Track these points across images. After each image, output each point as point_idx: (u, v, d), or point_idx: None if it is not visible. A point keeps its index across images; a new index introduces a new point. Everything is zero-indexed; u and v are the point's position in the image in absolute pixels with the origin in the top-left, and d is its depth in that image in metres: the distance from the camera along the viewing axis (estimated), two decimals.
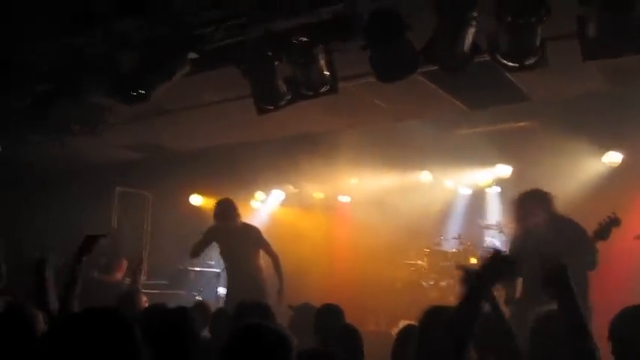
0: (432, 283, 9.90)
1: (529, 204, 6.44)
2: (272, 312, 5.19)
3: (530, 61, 4.62)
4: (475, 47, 4.79)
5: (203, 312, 5.90)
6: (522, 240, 6.49)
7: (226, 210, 8.17)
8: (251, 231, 8.30)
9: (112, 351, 2.05)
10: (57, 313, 4.32)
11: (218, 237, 8.28)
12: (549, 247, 5.94)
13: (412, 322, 5.27)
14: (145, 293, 6.89)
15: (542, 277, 3.36)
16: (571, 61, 5.66)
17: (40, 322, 3.94)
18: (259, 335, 2.97)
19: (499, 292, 6.69)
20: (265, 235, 8.35)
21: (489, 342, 3.69)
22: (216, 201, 8.45)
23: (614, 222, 6.00)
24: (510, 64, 4.70)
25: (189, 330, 3.98)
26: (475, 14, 4.47)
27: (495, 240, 9.98)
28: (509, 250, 6.78)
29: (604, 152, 9.20)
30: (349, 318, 5.48)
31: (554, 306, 3.57)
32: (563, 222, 6.30)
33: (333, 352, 3.54)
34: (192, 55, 5.71)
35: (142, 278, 7.06)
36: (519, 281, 6.52)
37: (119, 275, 9.65)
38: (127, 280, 9.05)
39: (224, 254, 8.41)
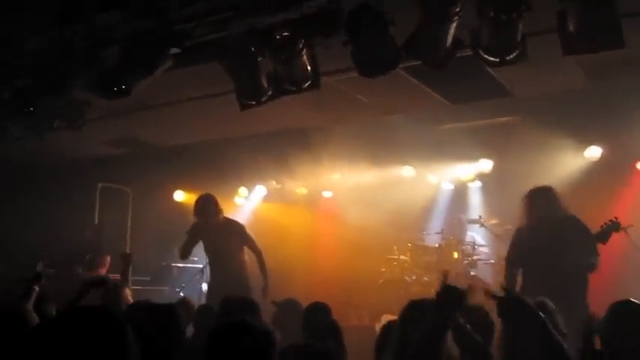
0: (414, 277, 9.94)
1: (537, 201, 6.47)
2: (258, 307, 5.18)
3: (511, 56, 4.65)
4: (457, 42, 4.80)
5: (186, 309, 5.88)
6: (526, 237, 6.51)
7: (207, 206, 8.10)
8: (234, 226, 8.26)
9: (102, 351, 2.03)
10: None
11: (201, 234, 8.21)
12: (552, 246, 6.04)
13: (395, 318, 5.31)
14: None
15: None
16: (551, 57, 5.72)
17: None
18: (242, 331, 2.97)
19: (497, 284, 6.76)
20: (249, 231, 8.31)
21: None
22: (196, 197, 8.38)
23: (614, 226, 6.09)
24: (492, 58, 4.73)
25: (176, 327, 3.97)
26: (457, 9, 4.49)
27: (476, 234, 10.06)
28: (511, 245, 6.78)
29: (585, 147, 9.28)
30: (333, 313, 5.49)
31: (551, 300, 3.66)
32: (569, 221, 6.32)
33: (328, 348, 3.54)
34: (174, 51, 5.68)
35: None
36: (519, 275, 6.58)
37: (103, 271, 9.59)
38: (111, 276, 9.02)
39: (207, 250, 8.36)
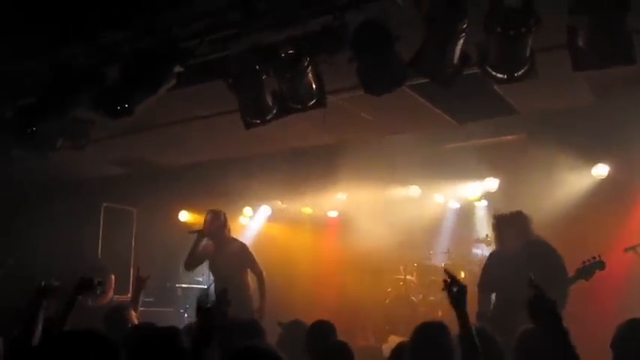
0: (421, 297, 9.85)
1: (503, 227, 6.47)
2: (262, 330, 5.08)
3: (519, 73, 4.58)
4: (464, 59, 4.74)
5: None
6: (497, 263, 6.58)
7: (216, 220, 8.10)
8: (236, 246, 8.21)
9: None
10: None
11: (207, 250, 8.18)
12: (521, 273, 5.93)
13: (404, 339, 5.23)
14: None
15: (528, 306, 3.36)
16: (559, 74, 5.66)
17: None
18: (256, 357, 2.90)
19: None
20: (252, 251, 8.23)
21: None
22: (208, 210, 8.34)
23: (598, 265, 6.04)
24: (500, 75, 4.65)
25: (179, 350, 3.88)
26: (465, 25, 4.42)
27: (483, 253, 9.94)
28: (483, 270, 6.85)
29: (592, 165, 9.19)
30: (338, 333, 5.41)
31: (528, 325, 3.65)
32: (539, 247, 6.31)
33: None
34: (177, 69, 5.63)
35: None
36: (493, 299, 6.54)
37: (110, 294, 9.54)
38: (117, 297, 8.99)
39: (211, 268, 8.32)
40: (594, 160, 9.14)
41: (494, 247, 9.34)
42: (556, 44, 5.00)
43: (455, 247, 10.27)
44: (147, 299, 10.82)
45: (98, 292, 9.17)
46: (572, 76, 5.66)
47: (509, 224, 6.48)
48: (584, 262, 6.16)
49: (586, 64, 4.40)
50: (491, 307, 6.50)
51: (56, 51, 5.91)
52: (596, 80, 6.66)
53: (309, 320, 5.88)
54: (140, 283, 6.84)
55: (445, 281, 3.94)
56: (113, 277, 9.65)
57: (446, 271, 4.05)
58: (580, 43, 4.33)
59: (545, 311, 3.28)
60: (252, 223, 12.21)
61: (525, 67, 4.57)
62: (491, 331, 4.26)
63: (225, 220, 8.22)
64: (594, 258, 6.09)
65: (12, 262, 8.16)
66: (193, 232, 8.21)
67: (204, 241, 8.14)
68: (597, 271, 6.07)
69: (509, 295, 6.13)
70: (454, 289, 3.88)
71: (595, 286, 6.69)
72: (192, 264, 8.29)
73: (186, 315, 9.70)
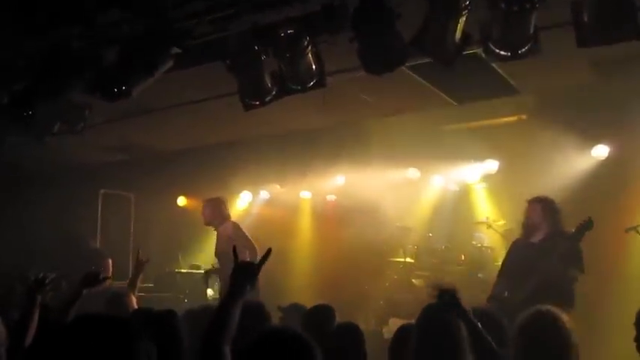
0: (421, 280, 9.81)
1: (537, 215, 6.50)
2: (266, 311, 5.05)
3: (523, 50, 4.52)
4: (467, 37, 4.68)
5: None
6: (521, 251, 6.59)
7: (212, 209, 8.12)
8: (227, 229, 8.26)
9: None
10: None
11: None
12: (544, 264, 6.06)
13: (405, 322, 5.20)
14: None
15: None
16: (560, 53, 5.62)
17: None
18: (284, 341, 2.84)
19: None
20: (244, 230, 8.30)
21: None
22: (205, 200, 8.35)
23: (587, 226, 6.02)
24: (503, 52, 4.60)
25: (176, 334, 3.86)
26: (467, 2, 4.37)
27: (483, 236, 9.92)
28: (507, 255, 6.88)
29: (592, 146, 9.15)
30: (338, 317, 5.36)
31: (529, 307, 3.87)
32: (562, 238, 6.27)
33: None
34: (175, 50, 5.56)
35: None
36: (507, 281, 6.55)
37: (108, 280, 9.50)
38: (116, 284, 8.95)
39: (216, 256, 8.37)
40: (594, 140, 9.08)
41: (494, 229, 9.48)
42: (558, 22, 4.95)
43: (454, 229, 10.23)
44: (146, 285, 10.82)
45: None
46: (573, 55, 5.62)
47: (541, 213, 6.48)
48: (576, 226, 6.15)
49: (591, 40, 4.35)
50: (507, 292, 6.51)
51: (52, 33, 5.83)
52: (597, 59, 6.62)
53: (308, 304, 5.86)
54: (140, 267, 6.81)
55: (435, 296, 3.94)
56: (110, 261, 9.63)
57: (429, 287, 4.17)
58: (585, 19, 4.27)
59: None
60: (250, 207, 12.16)
61: (529, 44, 4.52)
62: (497, 312, 4.24)
63: (221, 206, 8.25)
64: (584, 220, 6.08)
65: None
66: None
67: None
68: (586, 232, 6.05)
69: (518, 282, 6.23)
70: (446, 297, 3.89)
71: (599, 268, 6.72)
72: None
73: (185, 300, 9.65)
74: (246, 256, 8.07)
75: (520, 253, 6.57)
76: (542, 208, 6.48)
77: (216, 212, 8.26)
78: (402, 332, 4.44)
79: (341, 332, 4.79)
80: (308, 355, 2.78)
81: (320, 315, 5.30)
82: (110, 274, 9.39)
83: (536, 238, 6.48)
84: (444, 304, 3.87)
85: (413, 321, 4.13)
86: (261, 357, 2.80)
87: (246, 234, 8.24)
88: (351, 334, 4.73)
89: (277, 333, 2.94)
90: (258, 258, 7.60)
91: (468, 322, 3.82)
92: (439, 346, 3.83)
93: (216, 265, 8.77)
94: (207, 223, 8.39)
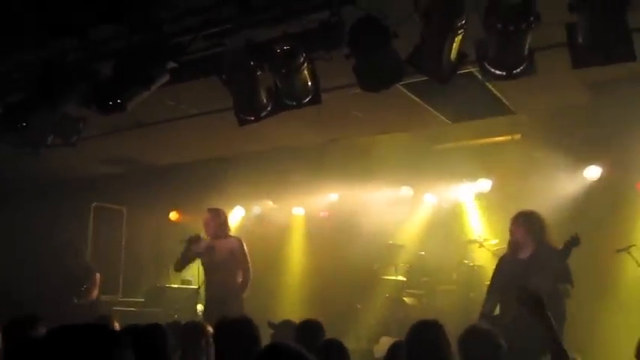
0: (413, 299, 9.79)
1: (522, 231, 6.49)
2: (257, 329, 5.02)
3: (518, 70, 4.55)
4: (462, 56, 4.70)
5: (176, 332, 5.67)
6: (508, 267, 6.61)
7: (214, 219, 8.10)
8: (231, 243, 8.17)
9: None
10: None
11: (199, 249, 8.12)
12: (532, 278, 6.02)
13: (396, 339, 5.19)
14: (120, 311, 6.70)
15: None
16: (555, 73, 5.65)
17: None
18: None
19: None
20: (246, 250, 8.17)
21: None
22: (208, 209, 8.28)
23: (574, 242, 6.03)
24: (498, 72, 4.62)
25: (161, 349, 3.84)
26: (463, 21, 4.39)
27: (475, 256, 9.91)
28: (494, 271, 6.88)
29: (584, 167, 9.19)
30: (329, 335, 5.35)
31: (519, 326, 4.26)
32: (550, 252, 6.29)
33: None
34: (170, 65, 5.56)
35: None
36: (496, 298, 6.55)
37: (95, 293, 9.48)
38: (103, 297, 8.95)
39: (205, 267, 8.26)
40: (587, 161, 9.13)
41: (486, 248, 9.47)
42: (553, 43, 4.99)
43: (447, 248, 10.21)
44: (136, 299, 10.76)
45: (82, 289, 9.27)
46: (567, 75, 5.66)
47: (526, 228, 6.47)
48: (564, 243, 6.15)
49: (586, 61, 4.38)
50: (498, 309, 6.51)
51: (47, 46, 5.83)
52: (590, 80, 6.66)
53: (299, 321, 5.84)
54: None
55: (519, 297, 4.09)
56: (98, 275, 9.59)
57: (519, 288, 4.25)
58: (580, 40, 4.30)
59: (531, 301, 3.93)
60: (242, 223, 12.12)
61: (524, 65, 4.55)
62: (487, 329, 4.24)
63: (225, 219, 8.24)
64: (572, 237, 6.08)
65: None
66: (188, 240, 8.15)
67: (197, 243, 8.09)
68: (573, 249, 6.05)
69: (507, 297, 6.18)
70: (530, 302, 4.00)
71: (587, 287, 6.73)
72: (182, 266, 8.25)
73: (176, 316, 9.59)
74: (239, 276, 8.04)
75: (508, 270, 6.56)
76: (525, 224, 6.48)
77: (224, 223, 8.22)
78: (395, 348, 4.45)
79: (326, 348, 4.79)
80: None
81: (310, 330, 5.29)
82: (97, 287, 9.40)
83: (524, 254, 6.47)
84: (529, 308, 3.95)
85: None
86: None
87: (247, 254, 8.17)
88: (336, 350, 4.73)
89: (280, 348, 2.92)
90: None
91: (548, 329, 3.91)
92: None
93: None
94: (212, 233, 8.17)
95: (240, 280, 8.03)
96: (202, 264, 8.30)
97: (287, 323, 6.16)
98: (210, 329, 4.92)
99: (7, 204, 10.16)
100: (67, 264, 9.80)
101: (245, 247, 8.15)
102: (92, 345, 1.94)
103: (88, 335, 1.98)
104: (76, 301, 9.23)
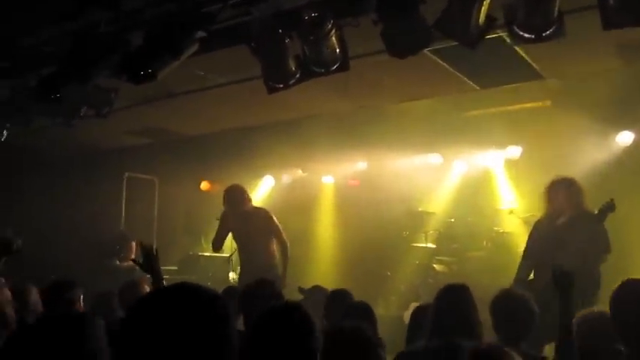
0: (443, 265, 9.82)
1: (562, 197, 6.45)
2: (277, 289, 5.11)
3: (547, 33, 4.50)
4: (491, 20, 4.67)
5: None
6: (544, 231, 6.57)
7: (236, 195, 8.11)
8: (261, 215, 8.21)
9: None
10: None
11: (230, 224, 8.19)
12: (567, 245, 6.08)
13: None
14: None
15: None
16: (586, 37, 5.58)
17: None
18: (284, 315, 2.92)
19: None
20: (276, 219, 8.22)
21: None
22: (225, 188, 8.35)
23: (609, 208, 5.99)
24: (527, 35, 4.58)
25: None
26: None
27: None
28: (529, 236, 6.86)
29: (617, 132, 9.08)
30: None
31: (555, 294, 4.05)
32: (586, 219, 6.25)
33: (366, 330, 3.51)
34: (200, 34, 5.60)
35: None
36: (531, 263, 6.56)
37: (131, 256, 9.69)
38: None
39: (237, 240, 8.35)
40: (619, 127, 9.03)
41: (516, 215, 9.44)
42: (583, 5, 4.92)
43: (476, 215, 10.21)
44: (169, 267, 10.95)
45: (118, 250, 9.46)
46: (599, 38, 5.58)
47: (564, 195, 6.45)
48: (599, 209, 6.13)
49: (616, 22, 4.32)
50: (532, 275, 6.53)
51: (78, 18, 5.90)
52: (623, 43, 6.55)
53: (330, 287, 5.92)
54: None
55: (554, 275, 4.06)
56: (134, 243, 9.77)
57: (555, 266, 4.19)
58: (610, 1, 4.24)
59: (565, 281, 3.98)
60: (272, 191, 12.22)
61: (553, 27, 4.50)
62: (522, 294, 4.27)
63: (246, 193, 8.24)
64: (607, 202, 6.05)
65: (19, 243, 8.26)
66: (219, 218, 8.27)
67: (228, 217, 8.18)
68: (609, 213, 6.03)
69: (543, 264, 6.22)
70: (564, 281, 4.02)
71: (620, 252, 6.70)
72: (218, 243, 8.31)
73: (209, 283, 9.76)
74: (272, 244, 8.11)
75: (544, 235, 6.54)
76: (565, 190, 6.45)
77: (245, 197, 8.24)
78: (419, 311, 4.52)
79: (354, 308, 4.89)
80: (308, 327, 2.83)
81: (340, 298, 5.37)
82: (134, 254, 9.57)
83: (560, 220, 6.45)
84: (561, 287, 3.98)
85: None
86: (266, 329, 2.88)
87: (279, 225, 8.21)
88: (363, 310, 4.82)
89: (280, 308, 3.02)
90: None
91: (566, 312, 3.92)
92: (455, 322, 3.90)
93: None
94: (237, 209, 8.13)
95: (273, 247, 8.09)
96: (235, 237, 8.36)
97: (317, 289, 6.25)
98: None
99: (41, 175, 10.37)
100: (103, 232, 10.00)
101: (274, 216, 8.20)
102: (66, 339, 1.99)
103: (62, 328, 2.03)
104: (118, 262, 9.41)
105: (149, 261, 4.79)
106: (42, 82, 6.54)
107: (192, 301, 1.91)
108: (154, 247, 4.85)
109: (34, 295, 4.57)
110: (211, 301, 1.94)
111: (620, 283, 3.74)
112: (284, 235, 8.10)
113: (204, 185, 12.24)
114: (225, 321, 1.92)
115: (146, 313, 1.88)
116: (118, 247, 9.56)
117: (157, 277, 4.74)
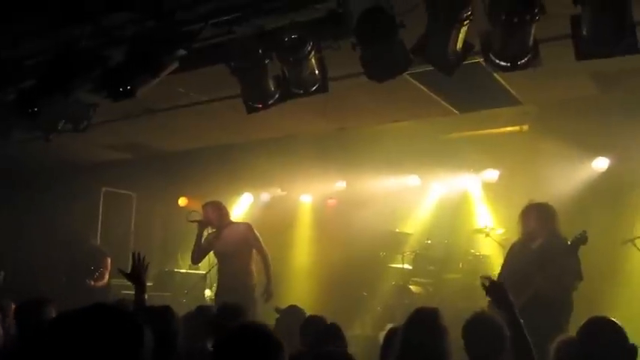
0: (418, 287, 9.85)
1: (534, 222, 6.54)
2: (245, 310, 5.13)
3: (522, 61, 4.58)
4: (468, 46, 4.74)
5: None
6: (519, 255, 6.65)
7: (215, 210, 8.10)
8: (240, 230, 8.18)
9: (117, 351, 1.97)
10: None
11: (211, 240, 8.15)
12: (541, 275, 6.13)
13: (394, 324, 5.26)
14: (129, 295, 6.70)
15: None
16: (562, 65, 5.67)
17: None
18: (250, 336, 2.92)
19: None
20: (257, 231, 8.20)
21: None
22: (203, 204, 8.33)
23: (581, 239, 6.06)
24: (503, 63, 4.66)
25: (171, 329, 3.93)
26: (469, 12, 4.43)
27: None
28: (505, 259, 6.94)
29: (592, 158, 9.20)
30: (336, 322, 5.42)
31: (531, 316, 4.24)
32: (559, 243, 6.33)
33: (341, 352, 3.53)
34: (180, 52, 5.63)
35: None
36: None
37: (107, 276, 9.61)
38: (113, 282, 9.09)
39: (216, 255, 8.30)
40: (595, 152, 9.15)
41: (492, 238, 9.51)
42: (559, 34, 5.01)
43: (453, 237, 10.27)
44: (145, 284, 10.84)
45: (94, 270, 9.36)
46: (574, 67, 5.67)
47: (536, 219, 6.52)
48: (571, 240, 6.20)
49: (589, 53, 4.41)
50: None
51: (59, 33, 5.91)
52: (598, 72, 6.67)
53: (306, 307, 5.93)
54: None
55: (483, 285, 4.21)
56: (109, 260, 9.71)
57: (482, 277, 4.36)
58: (584, 32, 4.33)
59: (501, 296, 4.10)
60: (251, 209, 12.21)
61: (529, 55, 4.58)
62: (494, 317, 4.30)
63: (225, 209, 8.24)
64: (579, 234, 6.11)
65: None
66: (194, 220, 8.20)
67: (208, 232, 8.14)
68: (581, 245, 6.10)
69: (515, 288, 6.25)
70: (494, 290, 4.17)
71: (594, 278, 6.77)
72: (198, 257, 8.27)
73: (184, 300, 9.71)
74: (251, 263, 8.08)
75: (518, 258, 6.61)
76: (536, 214, 6.53)
77: (223, 213, 8.22)
78: (391, 333, 4.53)
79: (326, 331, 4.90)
80: (274, 352, 2.85)
81: (314, 323, 5.37)
82: (108, 271, 9.51)
83: (534, 244, 6.52)
84: (493, 296, 4.13)
85: None
86: (231, 351, 2.89)
87: (259, 237, 8.20)
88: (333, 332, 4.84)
89: (247, 329, 3.02)
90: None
91: (511, 318, 4.01)
92: (423, 347, 3.92)
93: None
94: (217, 225, 8.16)
95: (252, 267, 8.06)
96: (215, 253, 8.31)
97: (292, 308, 6.25)
98: None
99: (18, 188, 10.29)
100: (78, 248, 9.92)
101: (255, 231, 8.18)
102: (116, 327, 1.98)
103: (112, 318, 2.02)
104: (92, 283, 9.34)
105: (137, 272, 4.76)
106: (20, 96, 6.52)
107: (101, 326, 1.94)
108: (143, 257, 4.82)
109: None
110: (120, 326, 1.95)
111: (587, 319, 3.87)
112: (264, 246, 8.08)
113: (183, 201, 12.19)
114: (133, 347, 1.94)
115: (52, 338, 1.93)
116: (93, 266, 9.47)
117: (141, 289, 4.71)
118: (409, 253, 10.23)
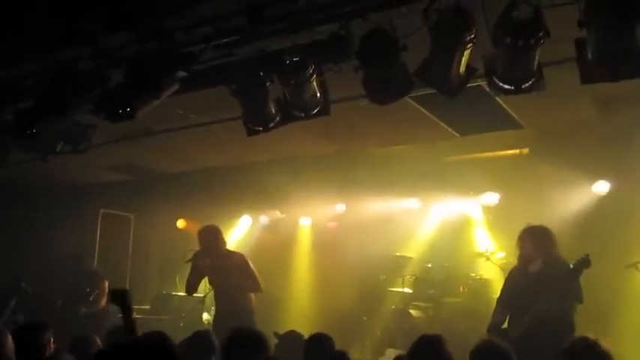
0: (419, 311, 9.77)
1: (529, 245, 6.50)
2: (266, 343, 4.99)
3: (526, 85, 4.55)
4: (471, 70, 4.71)
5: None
6: (518, 278, 6.59)
7: (210, 237, 7.93)
8: (236, 259, 8.04)
9: None
10: None
11: (204, 267, 7.98)
12: (541, 300, 6.05)
13: (401, 352, 5.17)
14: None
15: None
16: (564, 89, 5.65)
17: None
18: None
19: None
20: (252, 264, 8.08)
21: None
22: (200, 228, 8.19)
23: (585, 263, 6.01)
24: (507, 87, 4.63)
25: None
26: (472, 36, 4.40)
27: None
28: (504, 282, 6.89)
29: (593, 181, 9.16)
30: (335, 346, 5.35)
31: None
32: (558, 265, 6.27)
33: None
34: (181, 74, 5.60)
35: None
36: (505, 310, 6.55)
37: (104, 300, 9.45)
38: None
39: (212, 283, 8.14)
40: (595, 176, 9.12)
41: (492, 261, 9.44)
42: (561, 58, 4.99)
43: (453, 260, 10.21)
44: (142, 307, 10.77)
45: (89, 295, 9.21)
46: (576, 91, 5.65)
47: (533, 243, 6.48)
48: (574, 263, 6.14)
49: (594, 77, 4.38)
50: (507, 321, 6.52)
51: (58, 53, 5.88)
52: (599, 96, 6.66)
53: (305, 331, 5.84)
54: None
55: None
56: (107, 283, 9.56)
57: None
58: (589, 56, 4.30)
59: None
60: (250, 232, 12.14)
61: (533, 79, 4.55)
62: (504, 346, 4.24)
63: (221, 235, 8.05)
64: (582, 258, 6.06)
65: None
66: (189, 261, 8.03)
67: (201, 259, 7.99)
68: (584, 269, 6.03)
69: (518, 308, 6.25)
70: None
71: (592, 302, 6.70)
72: (192, 287, 8.09)
73: (181, 324, 9.60)
74: (248, 291, 7.96)
75: (517, 283, 6.56)
76: (531, 238, 6.49)
77: (219, 239, 8.06)
78: None
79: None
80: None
81: (320, 343, 5.28)
82: (105, 295, 9.37)
83: (533, 267, 6.46)
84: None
85: None
86: None
87: (255, 271, 8.00)
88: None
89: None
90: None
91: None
92: None
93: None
94: (212, 251, 7.87)
95: (249, 295, 7.94)
96: (210, 282, 8.15)
97: (292, 334, 6.15)
98: None
99: (15, 209, 10.22)
100: (74, 271, 9.80)
101: (250, 262, 8.04)
102: None
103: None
104: (84, 309, 9.18)
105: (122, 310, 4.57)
106: (19, 117, 6.47)
107: None
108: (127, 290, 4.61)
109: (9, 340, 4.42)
110: None
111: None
112: (259, 281, 7.94)
113: (181, 223, 12.13)
114: None
115: None
116: (88, 289, 9.31)
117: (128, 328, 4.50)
118: (409, 277, 10.17)
